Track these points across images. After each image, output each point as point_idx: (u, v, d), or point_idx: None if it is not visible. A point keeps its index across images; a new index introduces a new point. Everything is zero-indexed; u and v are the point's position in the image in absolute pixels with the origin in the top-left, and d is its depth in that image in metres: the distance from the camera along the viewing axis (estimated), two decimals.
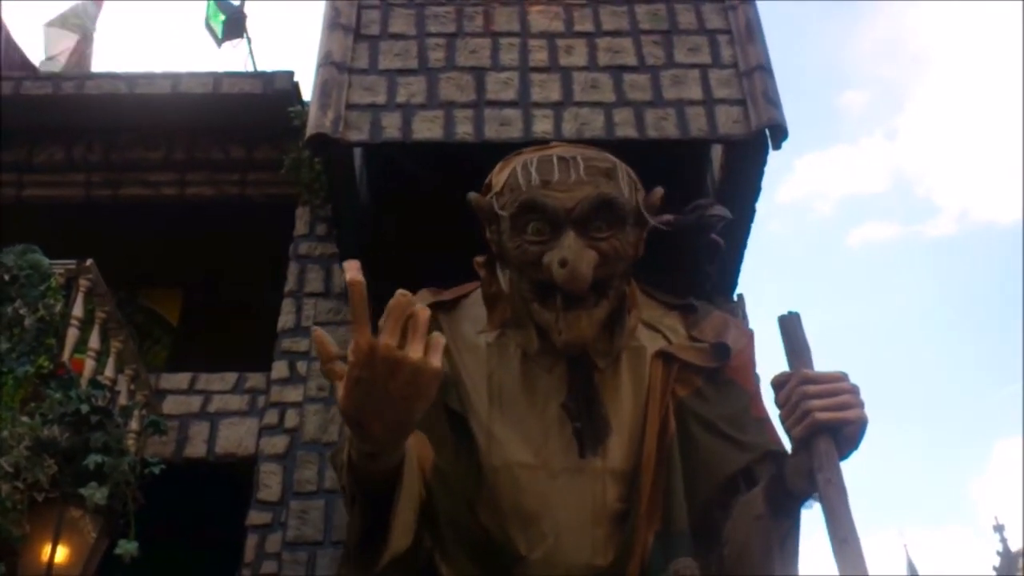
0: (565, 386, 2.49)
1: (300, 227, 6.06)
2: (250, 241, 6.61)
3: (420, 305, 1.63)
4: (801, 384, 1.95)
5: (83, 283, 5.10)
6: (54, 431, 4.39)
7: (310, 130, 4.34)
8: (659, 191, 2.59)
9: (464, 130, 4.43)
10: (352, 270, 1.55)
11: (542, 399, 2.50)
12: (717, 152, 4.84)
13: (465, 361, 2.60)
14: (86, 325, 5.08)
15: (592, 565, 2.37)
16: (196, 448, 5.47)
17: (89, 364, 4.98)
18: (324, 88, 4.43)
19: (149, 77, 6.36)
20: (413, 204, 4.90)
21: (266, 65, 14.24)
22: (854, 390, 1.96)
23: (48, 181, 6.56)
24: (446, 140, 4.42)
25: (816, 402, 1.91)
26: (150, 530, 4.52)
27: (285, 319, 5.63)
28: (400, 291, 1.58)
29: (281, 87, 6.21)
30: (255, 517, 4.99)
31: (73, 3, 9.55)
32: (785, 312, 2.05)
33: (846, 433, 1.92)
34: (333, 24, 4.67)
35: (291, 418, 5.28)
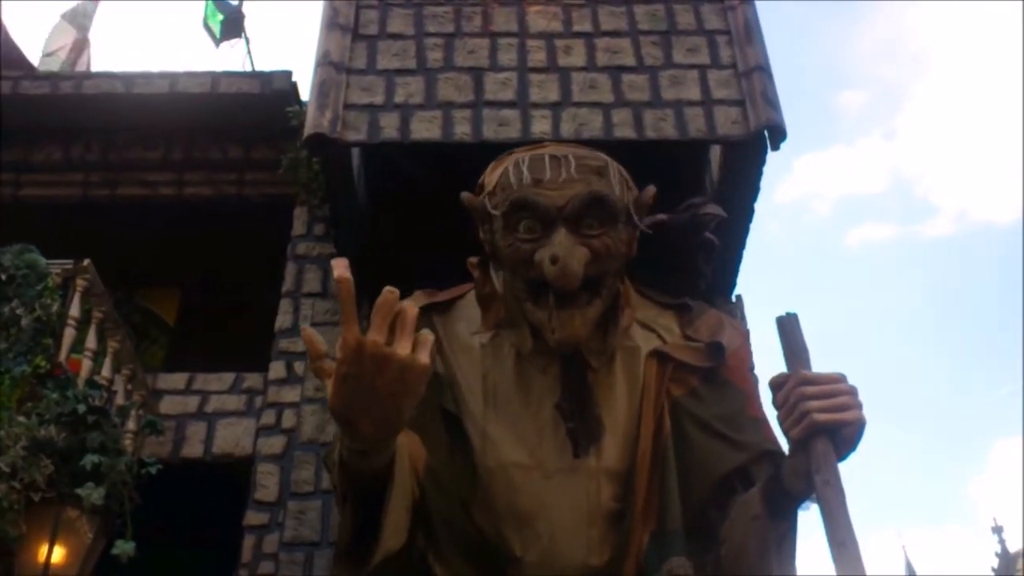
0: (559, 386, 2.48)
1: (298, 227, 6.05)
2: (248, 241, 6.61)
3: (408, 303, 1.63)
4: (799, 385, 1.94)
5: (80, 283, 5.10)
6: (51, 431, 4.39)
7: (308, 130, 4.34)
8: (651, 189, 2.59)
9: (462, 130, 4.43)
10: (340, 267, 1.55)
11: (536, 399, 2.50)
12: (716, 153, 4.84)
13: (460, 362, 2.59)
14: (83, 325, 5.08)
15: (587, 565, 2.36)
16: (193, 448, 5.47)
17: (86, 364, 4.97)
18: (322, 88, 4.43)
19: (147, 77, 6.36)
20: (411, 204, 4.90)
21: (264, 65, 14.28)
22: (852, 391, 1.95)
23: (46, 181, 6.56)
24: (444, 140, 4.42)
25: (814, 403, 1.91)
26: (147, 530, 4.52)
27: (283, 319, 5.62)
28: (387, 288, 1.58)
29: (279, 87, 6.21)
30: (252, 517, 4.98)
31: (76, 1, 9.57)
32: (783, 313, 2.05)
33: (844, 434, 1.91)
34: (331, 24, 4.67)
35: (288, 418, 5.28)
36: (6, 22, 8.06)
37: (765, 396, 2.36)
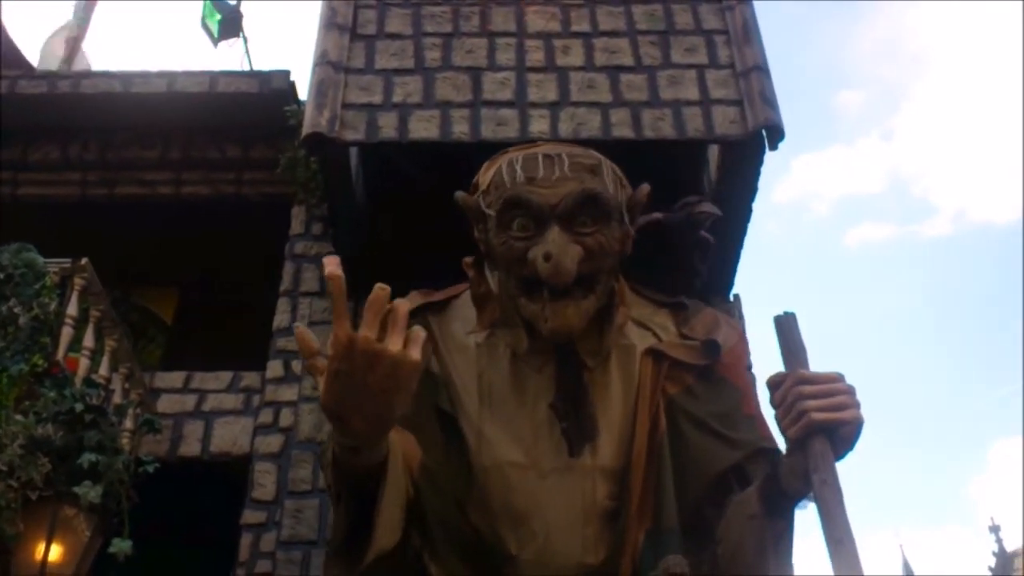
0: (554, 385, 2.48)
1: (296, 226, 6.05)
2: (246, 240, 6.61)
3: (400, 299, 1.63)
4: (797, 384, 1.94)
5: (78, 282, 5.10)
6: (48, 429, 4.39)
7: (306, 129, 4.34)
8: (645, 188, 2.59)
9: (460, 130, 4.43)
10: (331, 264, 1.56)
11: (532, 399, 2.50)
12: (714, 152, 4.84)
13: (455, 361, 2.59)
14: (81, 324, 5.08)
15: (583, 564, 2.36)
16: (190, 447, 5.47)
17: (83, 363, 4.98)
18: (320, 87, 4.43)
19: (145, 76, 6.36)
20: (409, 204, 4.90)
21: (262, 64, 14.28)
22: (850, 390, 1.95)
23: (44, 180, 6.55)
24: (442, 140, 4.42)
25: (812, 402, 1.91)
26: (144, 529, 4.52)
27: (280, 318, 5.62)
28: (379, 285, 1.58)
29: (277, 86, 6.21)
30: (249, 516, 4.98)
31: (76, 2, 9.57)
32: (781, 312, 2.05)
33: (842, 434, 1.92)
34: (329, 23, 4.67)
35: (286, 417, 5.28)
36: (6, 22, 8.06)
37: (762, 395, 2.37)
